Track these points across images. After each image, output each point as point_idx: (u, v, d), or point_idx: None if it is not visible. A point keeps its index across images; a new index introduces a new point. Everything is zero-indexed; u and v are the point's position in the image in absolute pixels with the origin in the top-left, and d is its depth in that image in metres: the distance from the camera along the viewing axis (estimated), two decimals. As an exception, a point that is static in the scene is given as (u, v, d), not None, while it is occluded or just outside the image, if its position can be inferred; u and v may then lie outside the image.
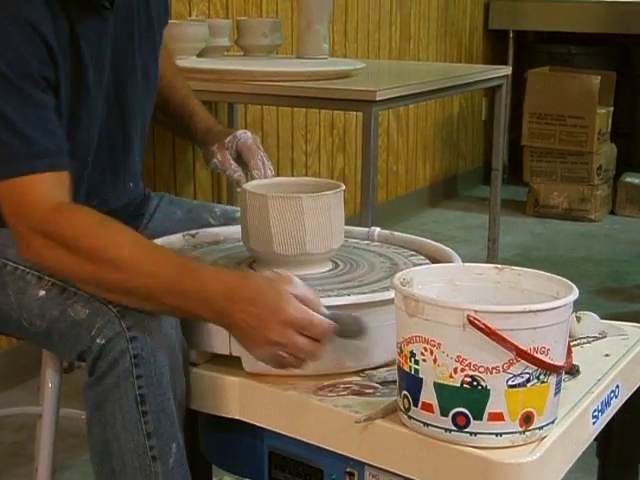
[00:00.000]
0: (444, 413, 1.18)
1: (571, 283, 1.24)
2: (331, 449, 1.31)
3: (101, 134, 1.60)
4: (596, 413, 1.35)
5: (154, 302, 1.37)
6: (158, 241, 1.67)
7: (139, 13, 1.65)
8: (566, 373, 1.30)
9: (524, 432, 1.18)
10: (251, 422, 1.39)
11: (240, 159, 1.73)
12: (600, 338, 1.54)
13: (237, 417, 1.40)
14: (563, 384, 1.23)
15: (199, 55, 2.90)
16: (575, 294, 1.20)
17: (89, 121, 1.56)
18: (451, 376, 1.16)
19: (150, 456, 1.39)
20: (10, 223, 1.43)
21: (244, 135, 1.74)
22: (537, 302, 1.18)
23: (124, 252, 1.36)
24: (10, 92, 1.39)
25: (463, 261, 1.49)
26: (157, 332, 1.38)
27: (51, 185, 1.40)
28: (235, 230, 1.69)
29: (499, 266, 1.33)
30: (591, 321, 1.58)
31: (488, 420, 1.16)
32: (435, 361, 1.16)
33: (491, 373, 1.14)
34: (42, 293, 1.46)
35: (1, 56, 1.38)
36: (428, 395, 1.18)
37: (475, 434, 1.17)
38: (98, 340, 1.38)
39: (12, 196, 1.40)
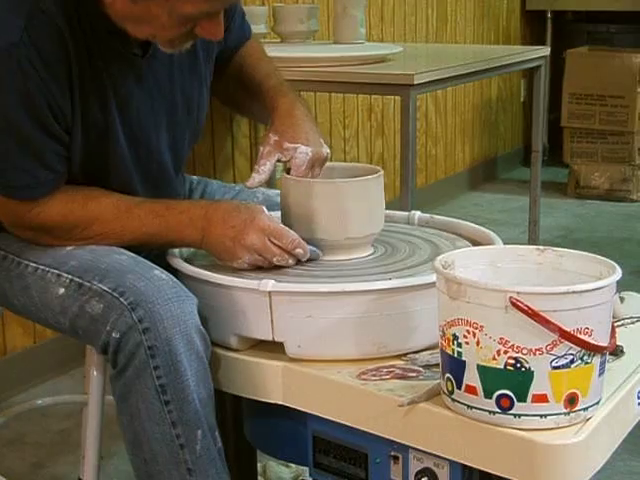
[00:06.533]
0: (488, 395, 1.17)
1: (614, 263, 1.23)
2: (375, 433, 1.31)
3: (138, 170, 1.60)
4: (641, 393, 1.34)
5: (146, 244, 1.54)
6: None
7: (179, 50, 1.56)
8: (610, 354, 1.29)
9: (569, 413, 1.18)
10: (295, 407, 1.40)
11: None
12: (644, 318, 1.53)
13: (280, 402, 1.41)
14: (607, 365, 1.22)
15: (236, 42, 2.90)
16: (618, 274, 1.19)
17: (121, 165, 1.57)
18: (494, 358, 1.16)
19: (178, 444, 1.41)
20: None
21: (301, 156, 1.56)
22: (580, 283, 1.17)
23: (107, 215, 1.52)
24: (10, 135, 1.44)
25: (504, 244, 1.49)
26: (169, 320, 1.39)
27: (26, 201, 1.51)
28: (276, 216, 1.69)
29: (541, 247, 1.32)
30: (635, 301, 1.57)
31: (532, 402, 1.16)
32: (478, 343, 1.16)
33: (534, 355, 1.14)
34: (62, 291, 1.49)
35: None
36: (471, 378, 1.18)
37: (519, 416, 1.17)
38: (114, 334, 1.41)
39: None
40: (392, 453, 1.31)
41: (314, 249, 1.52)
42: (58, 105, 1.43)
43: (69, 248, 1.53)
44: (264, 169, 1.57)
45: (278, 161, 1.58)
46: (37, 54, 1.38)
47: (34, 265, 1.54)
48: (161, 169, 1.65)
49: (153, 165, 1.62)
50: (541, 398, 1.16)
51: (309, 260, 1.52)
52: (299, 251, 1.50)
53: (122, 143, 1.54)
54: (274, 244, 1.48)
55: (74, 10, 1.43)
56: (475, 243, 1.59)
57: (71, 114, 1.46)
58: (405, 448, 1.29)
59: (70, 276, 1.49)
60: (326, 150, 1.60)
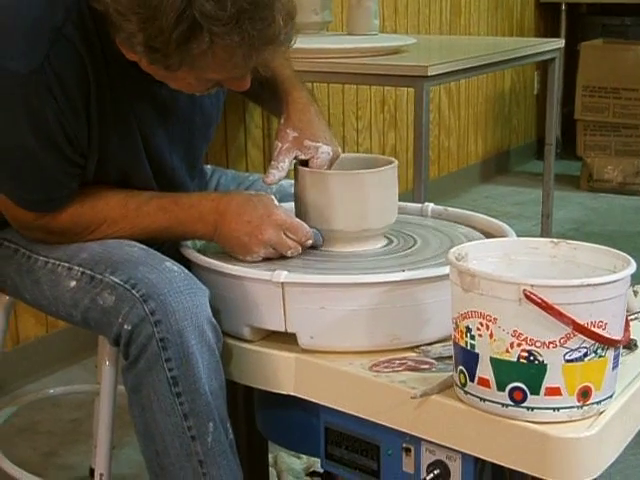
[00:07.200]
0: (501, 388, 1.17)
1: (628, 256, 1.23)
2: (387, 425, 1.31)
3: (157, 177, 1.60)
4: (655, 387, 1.34)
5: (157, 238, 1.53)
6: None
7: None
8: (624, 347, 1.29)
9: (582, 407, 1.17)
10: (307, 398, 1.40)
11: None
12: (658, 312, 1.52)
13: (293, 393, 1.41)
14: (621, 358, 1.22)
15: (250, 33, 2.90)
16: (633, 267, 1.19)
17: (141, 179, 1.57)
18: (507, 351, 1.15)
19: (189, 436, 1.41)
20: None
21: (323, 156, 1.57)
22: (594, 276, 1.17)
23: (115, 215, 1.51)
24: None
25: (517, 236, 1.48)
26: (181, 312, 1.39)
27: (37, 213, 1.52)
28: (289, 207, 1.69)
29: (555, 240, 1.32)
30: (648, 295, 1.56)
31: (545, 395, 1.16)
32: (491, 336, 1.16)
33: (548, 348, 1.14)
34: (73, 284, 1.49)
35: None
36: (484, 370, 1.18)
37: (532, 409, 1.17)
38: (126, 326, 1.41)
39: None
40: (404, 445, 1.31)
41: (317, 233, 1.53)
42: (74, 130, 1.43)
43: None
44: (283, 166, 1.57)
45: (294, 158, 1.57)
46: (56, 81, 1.38)
47: (44, 259, 1.54)
48: (175, 182, 1.64)
49: (166, 178, 1.62)
50: (554, 391, 1.16)
51: (312, 247, 1.53)
52: (309, 242, 1.51)
53: (145, 163, 1.55)
54: (289, 238, 1.49)
55: (95, 34, 1.41)
56: (488, 235, 1.59)
57: (88, 139, 1.46)
58: (417, 440, 1.29)
59: (81, 269, 1.49)
60: (339, 149, 1.61)
